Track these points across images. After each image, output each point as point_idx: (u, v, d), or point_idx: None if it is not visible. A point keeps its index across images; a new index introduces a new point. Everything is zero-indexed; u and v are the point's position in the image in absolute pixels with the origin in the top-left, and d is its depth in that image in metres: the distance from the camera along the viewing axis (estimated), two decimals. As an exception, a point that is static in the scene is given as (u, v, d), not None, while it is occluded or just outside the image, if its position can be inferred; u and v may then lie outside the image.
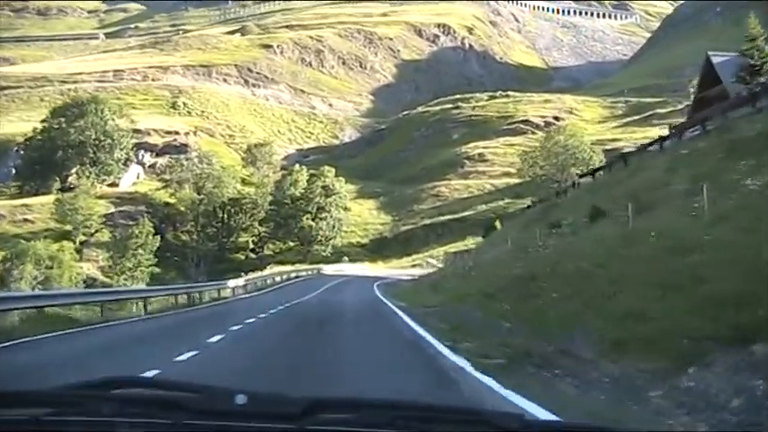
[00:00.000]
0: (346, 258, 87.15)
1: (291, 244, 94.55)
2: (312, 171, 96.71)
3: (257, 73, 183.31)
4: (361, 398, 2.38)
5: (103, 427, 2.13)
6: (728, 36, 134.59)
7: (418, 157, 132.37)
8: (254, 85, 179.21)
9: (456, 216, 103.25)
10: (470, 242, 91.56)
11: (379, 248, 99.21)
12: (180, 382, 2.38)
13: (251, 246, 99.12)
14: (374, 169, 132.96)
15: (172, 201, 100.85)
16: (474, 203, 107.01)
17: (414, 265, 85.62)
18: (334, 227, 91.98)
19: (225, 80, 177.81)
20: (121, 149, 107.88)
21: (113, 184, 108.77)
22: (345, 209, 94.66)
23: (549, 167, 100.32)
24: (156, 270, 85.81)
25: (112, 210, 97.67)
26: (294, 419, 2.11)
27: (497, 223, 76.12)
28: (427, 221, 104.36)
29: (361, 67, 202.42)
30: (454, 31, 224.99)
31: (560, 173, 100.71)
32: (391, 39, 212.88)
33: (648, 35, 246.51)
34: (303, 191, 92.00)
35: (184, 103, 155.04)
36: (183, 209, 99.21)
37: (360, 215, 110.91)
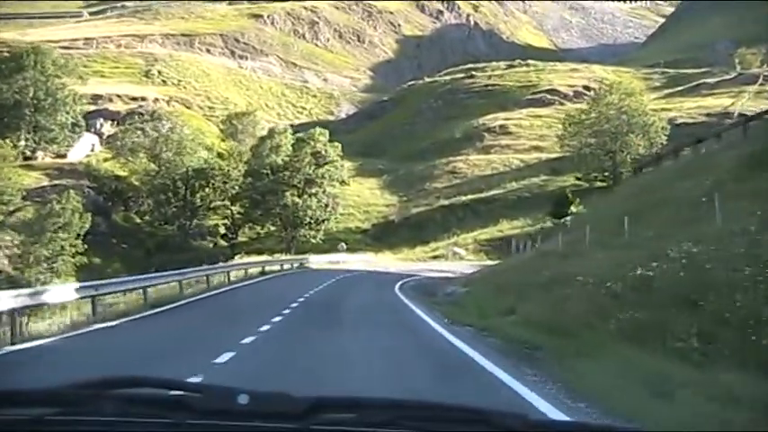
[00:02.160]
0: (343, 246, 62.79)
1: (273, 228, 70.08)
2: (299, 135, 72.53)
3: (245, 44, 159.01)
4: (362, 397, 2.23)
5: (105, 426, 2.06)
6: (754, 15, 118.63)
7: (427, 131, 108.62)
8: (240, 57, 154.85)
9: (481, 196, 79.27)
10: (507, 227, 67.55)
11: (384, 235, 75.19)
12: (182, 382, 2.28)
13: (222, 230, 74.94)
14: (375, 145, 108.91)
15: (123, 173, 76.43)
16: (501, 181, 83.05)
17: (435, 257, 61.80)
18: (327, 206, 67.45)
19: (208, 50, 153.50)
20: (67, 113, 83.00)
21: (61, 156, 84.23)
22: (342, 182, 69.95)
23: (600, 136, 76.20)
24: (96, 261, 62.17)
25: (45, 183, 73.37)
26: (296, 419, 2.04)
27: (574, 205, 52.79)
28: (444, 202, 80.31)
29: (359, 41, 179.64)
30: (459, 8, 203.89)
31: (613, 142, 76.65)
32: (392, 13, 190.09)
33: (659, 18, 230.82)
34: (287, 158, 67.60)
35: (159, 72, 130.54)
36: (136, 183, 74.84)
37: (359, 195, 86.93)
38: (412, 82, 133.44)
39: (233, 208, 71.24)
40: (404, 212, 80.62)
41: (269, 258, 53.10)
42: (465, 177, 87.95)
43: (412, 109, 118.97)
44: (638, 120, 75.19)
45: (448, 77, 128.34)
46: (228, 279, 35.71)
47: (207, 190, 71.42)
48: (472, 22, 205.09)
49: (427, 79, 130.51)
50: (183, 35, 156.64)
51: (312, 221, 66.54)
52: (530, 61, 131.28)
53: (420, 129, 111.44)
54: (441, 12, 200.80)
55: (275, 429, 2.04)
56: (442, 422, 2.12)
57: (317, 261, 53.30)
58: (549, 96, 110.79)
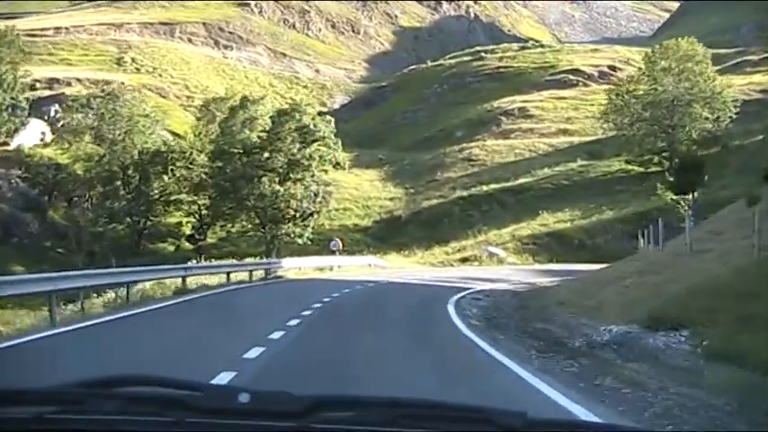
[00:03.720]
0: (337, 244, 42.99)
1: (250, 225, 53.12)
2: (281, 107, 55.92)
3: (230, 33, 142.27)
4: (363, 396, 2.22)
5: (106, 425, 2.02)
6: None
7: (434, 118, 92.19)
8: (225, 47, 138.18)
9: (508, 185, 62.80)
10: (552, 220, 51.12)
11: (389, 233, 58.59)
12: (182, 381, 2.18)
13: (188, 230, 58.08)
14: (374, 134, 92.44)
15: (65, 160, 59.54)
16: (529, 167, 66.62)
17: (463, 259, 45.30)
18: (316, 196, 50.63)
19: (190, 40, 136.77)
20: (4, 91, 66.31)
21: (2, 143, 67.65)
22: (337, 165, 52.77)
23: (655, 108, 59.82)
24: (18, 269, 46.00)
25: (-37, 173, 56.81)
26: (297, 418, 1.99)
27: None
28: (463, 193, 63.67)
29: (353, 31, 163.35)
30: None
31: (670, 115, 60.26)
32: (387, 3, 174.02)
33: (662, 13, 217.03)
34: (265, 135, 50.79)
35: (133, 59, 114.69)
36: (79, 172, 57.97)
37: (357, 187, 70.44)
38: (413, 66, 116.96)
39: (196, 200, 54.22)
40: (412, 207, 64.11)
41: (242, 262, 36.17)
42: (484, 165, 71.54)
43: (414, 95, 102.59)
44: (703, 87, 58.83)
45: (453, 61, 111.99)
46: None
47: (166, 178, 54.59)
48: (472, 15, 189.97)
49: (430, 63, 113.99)
50: (162, 24, 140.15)
51: (297, 215, 49.71)
52: (544, 43, 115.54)
53: (424, 116, 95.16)
54: (439, 3, 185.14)
55: (275, 428, 1.97)
56: (443, 421, 2.05)
57: (296, 266, 36.27)
58: (571, 77, 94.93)
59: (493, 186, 62.95)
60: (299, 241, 49.21)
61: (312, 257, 38.87)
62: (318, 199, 50.88)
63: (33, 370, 9.07)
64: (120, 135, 55.19)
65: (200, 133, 56.53)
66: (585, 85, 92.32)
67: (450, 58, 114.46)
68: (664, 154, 58.78)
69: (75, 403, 2.09)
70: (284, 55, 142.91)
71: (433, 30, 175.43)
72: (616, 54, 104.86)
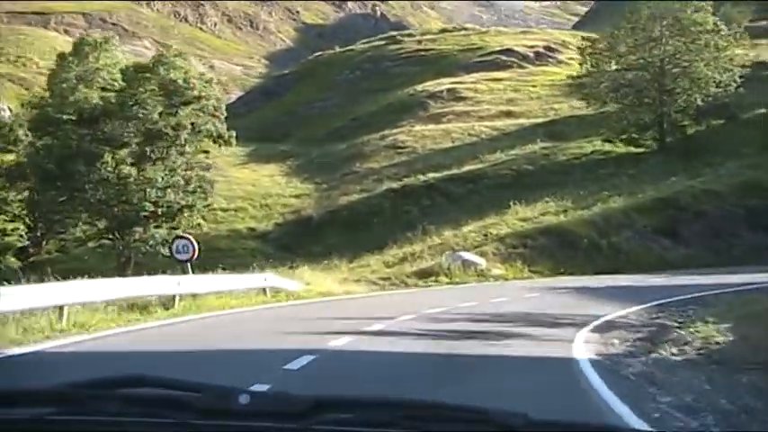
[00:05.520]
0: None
1: (94, 229, 35.25)
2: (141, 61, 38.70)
3: (113, 24, 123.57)
4: (363, 397, 2.13)
5: (108, 426, 1.97)
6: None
7: (346, 106, 75.57)
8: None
9: (453, 172, 46.61)
10: (532, 214, 34.55)
11: (298, 240, 41.33)
12: (182, 382, 2.11)
13: (16, 240, 39.81)
14: (276, 127, 75.10)
15: None
16: (474, 152, 50.57)
17: (422, 272, 27.90)
18: (188, 183, 33.13)
19: (66, 31, 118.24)
20: None
21: None
22: (219, 139, 34.89)
23: (644, 69, 44.35)
24: None
25: None
26: (297, 419, 1.93)
27: None
28: (393, 185, 47.31)
29: (252, 27, 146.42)
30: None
31: (659, 79, 44.85)
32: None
33: (571, 17, 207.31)
34: (113, 95, 33.08)
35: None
36: None
37: (254, 184, 53.30)
38: (319, 53, 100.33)
39: (7, 196, 35.92)
40: (327, 204, 47.26)
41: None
42: (415, 152, 55.09)
43: (322, 83, 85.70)
44: (707, 41, 43.61)
45: (366, 45, 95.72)
46: None
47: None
48: (378, 13, 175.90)
49: (338, 48, 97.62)
50: (35, 13, 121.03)
51: (161, 212, 32.35)
52: (467, 26, 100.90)
53: (335, 105, 78.49)
54: (344, 0, 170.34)
55: (276, 429, 1.92)
56: (443, 422, 1.99)
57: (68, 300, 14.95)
58: (503, 58, 79.40)
59: (433, 175, 46.55)
60: (163, 251, 31.39)
61: (111, 281, 20.07)
62: (192, 188, 33.41)
63: None
64: None
65: (28, 102, 38.56)
66: (521, 66, 77.26)
67: (364, 43, 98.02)
68: (659, 127, 43.56)
69: (75, 404, 2.00)
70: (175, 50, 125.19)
71: (338, 28, 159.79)
72: (550, 36, 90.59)
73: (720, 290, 20.25)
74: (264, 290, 21.80)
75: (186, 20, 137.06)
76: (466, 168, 46.98)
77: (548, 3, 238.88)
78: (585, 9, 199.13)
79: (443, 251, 29.37)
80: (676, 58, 42.93)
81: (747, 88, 45.52)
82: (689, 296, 18.69)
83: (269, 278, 22.35)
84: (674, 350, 10.85)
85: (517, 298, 20.24)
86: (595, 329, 13.41)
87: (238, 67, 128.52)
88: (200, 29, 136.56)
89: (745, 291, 19.72)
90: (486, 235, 31.63)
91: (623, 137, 44.62)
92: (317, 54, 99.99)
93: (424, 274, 26.13)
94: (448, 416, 2.03)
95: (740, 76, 44.55)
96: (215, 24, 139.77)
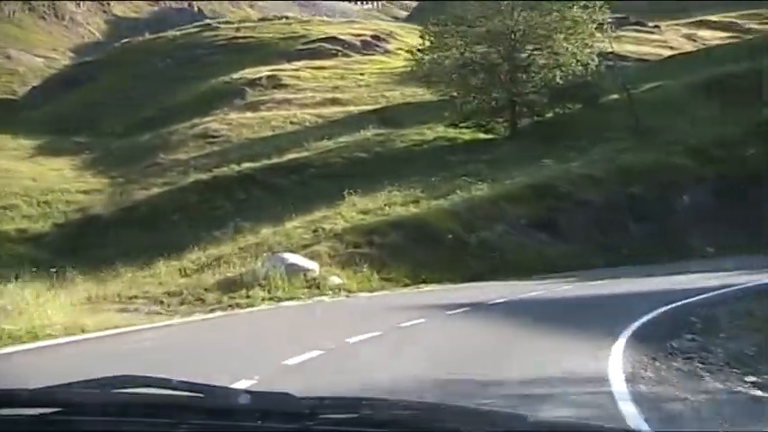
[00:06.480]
0: None
1: None
2: None
3: None
4: (364, 397, 2.06)
5: (107, 426, 1.93)
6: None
7: (154, 96, 66.75)
8: None
9: (273, 162, 39.11)
10: (376, 204, 27.01)
11: (82, 243, 32.72)
12: (183, 382, 2.08)
13: None
14: (73, 119, 65.12)
15: None
16: (297, 140, 43.28)
17: (234, 286, 19.74)
18: None
19: None
20: None
21: None
22: None
23: (496, 42, 38.33)
24: None
25: None
26: (297, 419, 1.89)
27: None
28: (201, 176, 39.27)
29: (57, 18, 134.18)
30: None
31: (512, 54, 38.83)
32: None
33: (390, 19, 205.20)
34: None
35: None
36: None
37: (36, 178, 43.89)
38: (127, 40, 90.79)
39: None
40: (121, 201, 38.79)
41: None
42: (229, 142, 47.39)
43: (130, 73, 76.52)
44: (563, 13, 38.04)
45: (178, 33, 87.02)
46: None
47: None
48: (195, 8, 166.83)
49: (148, 35, 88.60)
50: None
51: None
52: (287, 15, 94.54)
53: (143, 94, 69.61)
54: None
55: (276, 429, 1.89)
56: (443, 422, 1.92)
57: None
58: (327, 46, 73.27)
59: (249, 165, 38.88)
60: None
61: None
62: None
63: None
64: None
65: None
66: (347, 55, 71.38)
67: (177, 30, 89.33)
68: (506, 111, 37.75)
69: (75, 404, 1.96)
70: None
71: (152, 21, 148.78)
72: (377, 27, 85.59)
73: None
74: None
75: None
76: (289, 157, 39.65)
77: (369, 6, 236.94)
78: (406, 14, 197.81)
79: (261, 253, 21.84)
80: (531, 27, 37.14)
81: (605, 75, 40.92)
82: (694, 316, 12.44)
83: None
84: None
85: (387, 333, 11.92)
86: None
87: (40, 59, 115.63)
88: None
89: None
90: (316, 231, 24.11)
91: (470, 122, 38.54)
92: (124, 41, 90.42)
93: (231, 286, 18.36)
94: (447, 417, 1.96)
95: (598, 55, 39.52)
96: (13, 13, 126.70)
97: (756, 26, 74.73)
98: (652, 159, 30.54)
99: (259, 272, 18.82)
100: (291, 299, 17.90)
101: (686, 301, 15.09)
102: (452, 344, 11.19)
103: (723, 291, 16.57)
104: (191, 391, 2.02)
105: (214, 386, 2.06)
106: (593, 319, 13.44)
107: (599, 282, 20.24)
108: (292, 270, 19.14)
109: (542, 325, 12.78)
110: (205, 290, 18.28)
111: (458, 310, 14.72)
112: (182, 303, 17.01)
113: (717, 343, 10.34)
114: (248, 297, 17.62)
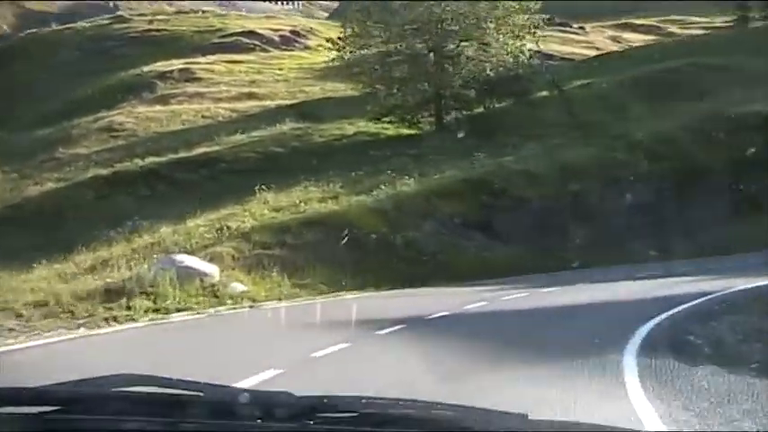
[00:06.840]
0: None
1: None
2: None
3: None
4: (364, 396, 2.07)
5: (107, 425, 1.92)
6: None
7: (59, 90, 62.56)
8: None
9: (180, 156, 35.88)
10: (290, 200, 23.98)
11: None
12: (183, 381, 2.06)
13: None
14: (-32, 112, 61.47)
15: None
16: (209, 134, 40.13)
17: (106, 292, 17.05)
18: None
19: None
20: None
21: None
22: None
23: (422, 33, 35.82)
24: None
25: None
26: (297, 418, 1.89)
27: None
28: (101, 171, 35.87)
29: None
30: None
31: (439, 43, 36.27)
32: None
33: (311, 20, 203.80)
34: None
35: None
36: None
37: None
38: (31, 31, 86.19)
39: None
40: (11, 197, 35.21)
41: None
42: (135, 136, 44.01)
43: (35, 64, 72.17)
44: (501, 4, 35.82)
45: (87, 24, 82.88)
46: None
47: None
48: (111, 4, 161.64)
49: (56, 26, 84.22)
50: None
51: None
52: (204, 9, 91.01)
53: (47, 88, 65.31)
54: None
55: (276, 428, 1.88)
56: (443, 422, 1.93)
57: None
58: (245, 40, 70.54)
59: (154, 159, 35.68)
60: None
61: None
62: None
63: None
64: None
65: None
66: (264, 50, 68.63)
67: (86, 22, 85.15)
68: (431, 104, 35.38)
69: (75, 403, 1.95)
70: None
71: (66, 16, 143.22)
72: (297, 23, 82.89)
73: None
74: None
75: None
76: (198, 151, 36.59)
77: (289, 6, 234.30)
78: (327, 14, 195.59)
79: (153, 255, 18.77)
80: (460, 16, 34.72)
81: (536, 69, 39.00)
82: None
83: None
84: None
85: (291, 371, 8.01)
86: None
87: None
88: None
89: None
90: (221, 229, 21.11)
91: (394, 116, 35.99)
92: (29, 32, 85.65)
93: (112, 295, 15.20)
94: (447, 416, 1.95)
95: (529, 52, 37.49)
96: None
97: (677, 30, 75.36)
98: (591, 155, 28.47)
99: (146, 277, 15.68)
100: (183, 310, 14.80)
101: (665, 315, 12.45)
102: (391, 390, 7.58)
103: (697, 301, 14.19)
104: (191, 390, 1.96)
105: (214, 385, 2.00)
106: (569, 341, 10.67)
107: (547, 289, 17.75)
108: (187, 275, 16.06)
109: (509, 353, 9.90)
110: (80, 299, 15.06)
111: (391, 329, 11.49)
112: (45, 317, 13.75)
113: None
114: (128, 309, 14.41)
